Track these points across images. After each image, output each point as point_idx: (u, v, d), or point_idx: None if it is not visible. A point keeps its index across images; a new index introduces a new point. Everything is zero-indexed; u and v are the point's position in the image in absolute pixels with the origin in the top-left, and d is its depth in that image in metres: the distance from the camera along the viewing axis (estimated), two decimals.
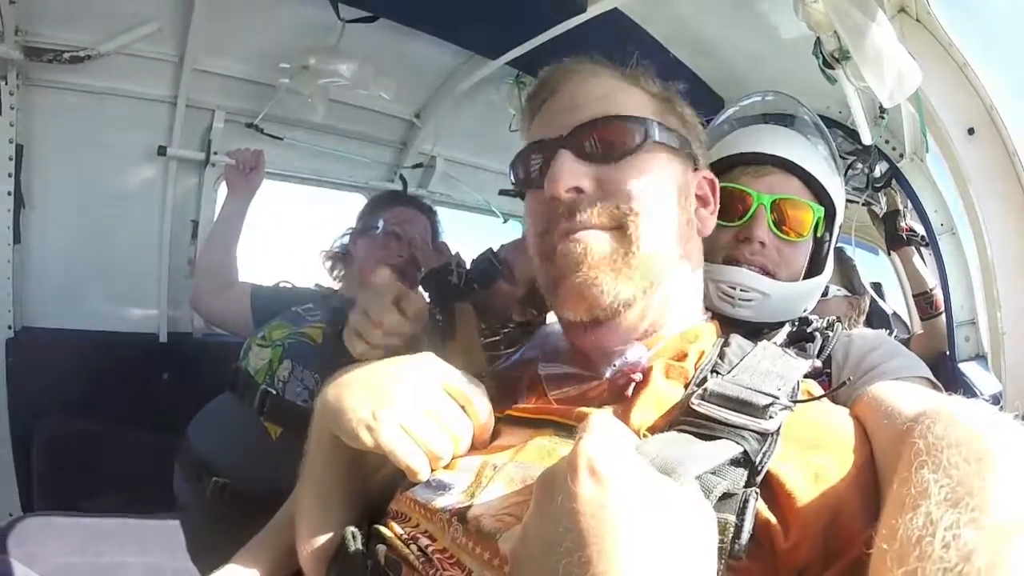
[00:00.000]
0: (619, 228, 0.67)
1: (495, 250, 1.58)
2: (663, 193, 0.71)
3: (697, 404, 0.56)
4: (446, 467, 0.64)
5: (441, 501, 0.59)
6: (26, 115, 1.69)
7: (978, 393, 1.33)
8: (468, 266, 1.58)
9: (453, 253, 1.70)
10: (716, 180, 0.82)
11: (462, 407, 0.66)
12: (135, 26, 1.67)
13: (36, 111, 1.72)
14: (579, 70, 0.76)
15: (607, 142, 0.70)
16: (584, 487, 0.39)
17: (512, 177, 0.78)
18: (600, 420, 0.46)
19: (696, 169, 0.79)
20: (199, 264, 1.94)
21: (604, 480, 0.39)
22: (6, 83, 1.61)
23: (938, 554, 0.36)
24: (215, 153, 1.99)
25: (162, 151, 1.91)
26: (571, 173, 0.67)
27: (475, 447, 0.66)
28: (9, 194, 1.69)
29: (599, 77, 0.76)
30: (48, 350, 1.78)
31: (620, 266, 0.66)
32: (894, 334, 2.01)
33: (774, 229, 0.98)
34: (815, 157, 1.03)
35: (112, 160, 1.90)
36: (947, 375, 1.67)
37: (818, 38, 1.03)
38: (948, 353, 1.77)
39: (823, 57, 1.05)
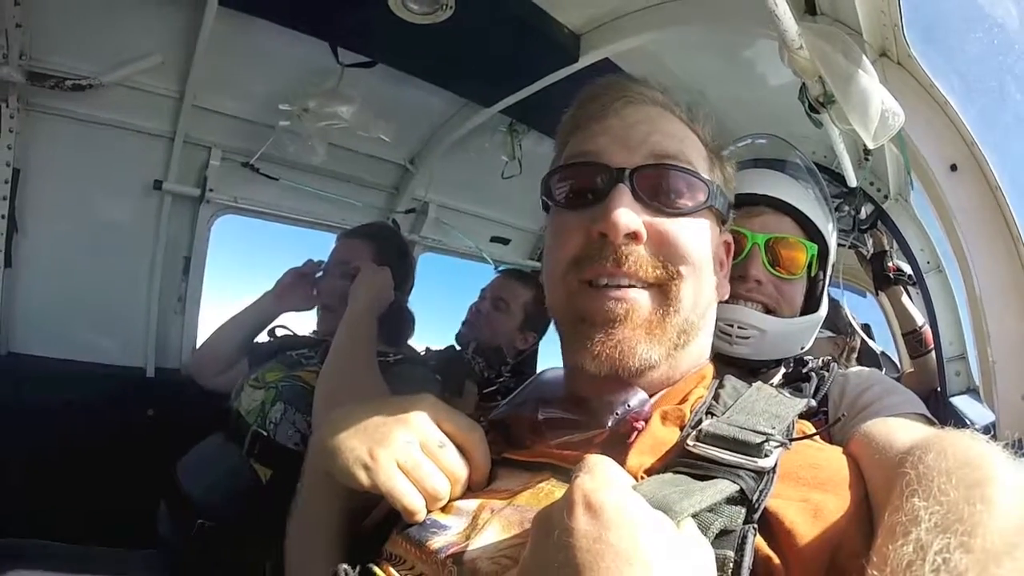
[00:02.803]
0: (661, 287, 0.65)
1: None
2: (705, 258, 0.69)
3: (692, 445, 0.55)
4: (443, 509, 0.63)
5: (437, 542, 0.58)
6: (24, 140, 1.70)
7: (970, 425, 1.33)
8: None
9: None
10: (732, 243, 0.81)
11: (460, 448, 0.65)
12: (138, 58, 1.70)
13: (35, 136, 1.72)
14: (651, 98, 0.72)
15: (674, 194, 0.67)
16: (580, 521, 0.39)
17: (545, 189, 0.72)
18: (596, 460, 0.46)
19: (721, 232, 0.76)
20: (212, 342, 1.87)
21: (600, 514, 0.39)
22: (7, 106, 1.62)
23: None
24: (210, 190, 2.00)
25: (158, 185, 1.92)
26: (631, 217, 0.63)
27: (472, 489, 0.65)
28: (3, 217, 1.67)
29: (670, 112, 0.72)
30: (33, 377, 1.75)
31: (655, 328, 0.65)
32: (884, 373, 2.02)
33: (768, 268, 1.00)
34: (807, 197, 1.06)
35: (107, 191, 1.90)
36: (939, 411, 1.68)
37: (803, 84, 1.07)
38: (940, 389, 1.78)
39: (808, 102, 1.08)
